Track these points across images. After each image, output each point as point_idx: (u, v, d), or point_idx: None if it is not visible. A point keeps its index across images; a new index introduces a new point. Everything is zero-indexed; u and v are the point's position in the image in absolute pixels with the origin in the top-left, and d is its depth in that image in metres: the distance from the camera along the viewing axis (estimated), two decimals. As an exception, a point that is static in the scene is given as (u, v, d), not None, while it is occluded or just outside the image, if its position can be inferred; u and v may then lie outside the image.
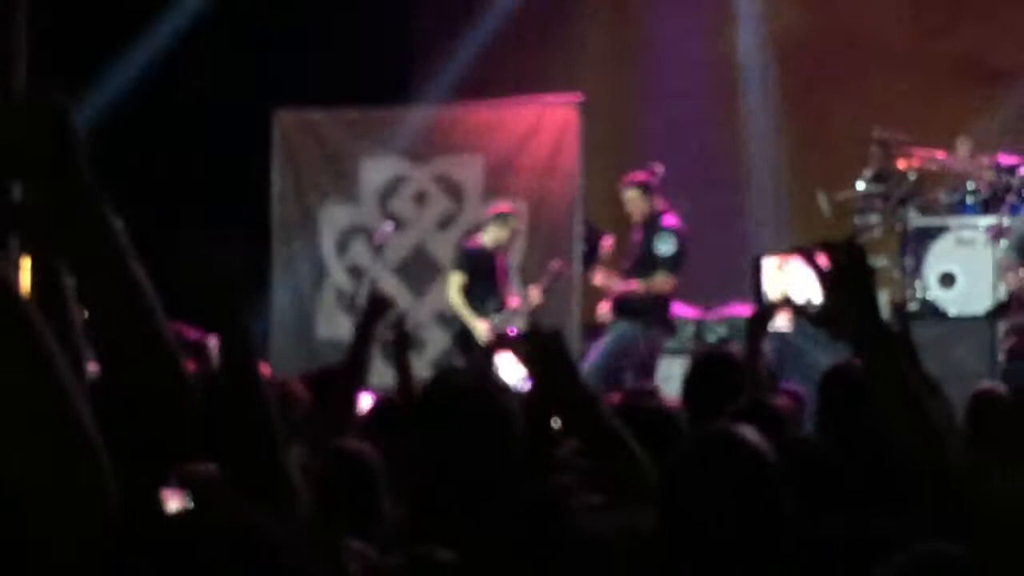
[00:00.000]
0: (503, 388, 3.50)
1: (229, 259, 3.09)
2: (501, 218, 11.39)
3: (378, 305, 5.45)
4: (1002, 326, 10.37)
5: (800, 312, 4.24)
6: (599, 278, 11.13)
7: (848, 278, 3.03)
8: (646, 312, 10.94)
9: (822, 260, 3.06)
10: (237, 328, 2.98)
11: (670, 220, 11.01)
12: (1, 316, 1.86)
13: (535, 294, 11.29)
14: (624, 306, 11.00)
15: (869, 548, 3.16)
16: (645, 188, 11.05)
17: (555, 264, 11.35)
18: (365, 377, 5.30)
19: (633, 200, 11.09)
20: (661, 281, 10.96)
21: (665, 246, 10.90)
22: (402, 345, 5.67)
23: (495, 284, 11.29)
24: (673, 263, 10.96)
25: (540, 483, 3.90)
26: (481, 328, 11.02)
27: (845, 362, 4.43)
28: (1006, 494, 2.75)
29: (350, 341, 5.39)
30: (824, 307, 3.05)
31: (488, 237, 11.37)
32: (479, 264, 11.35)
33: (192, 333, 5.84)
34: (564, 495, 3.89)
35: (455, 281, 11.37)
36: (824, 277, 3.06)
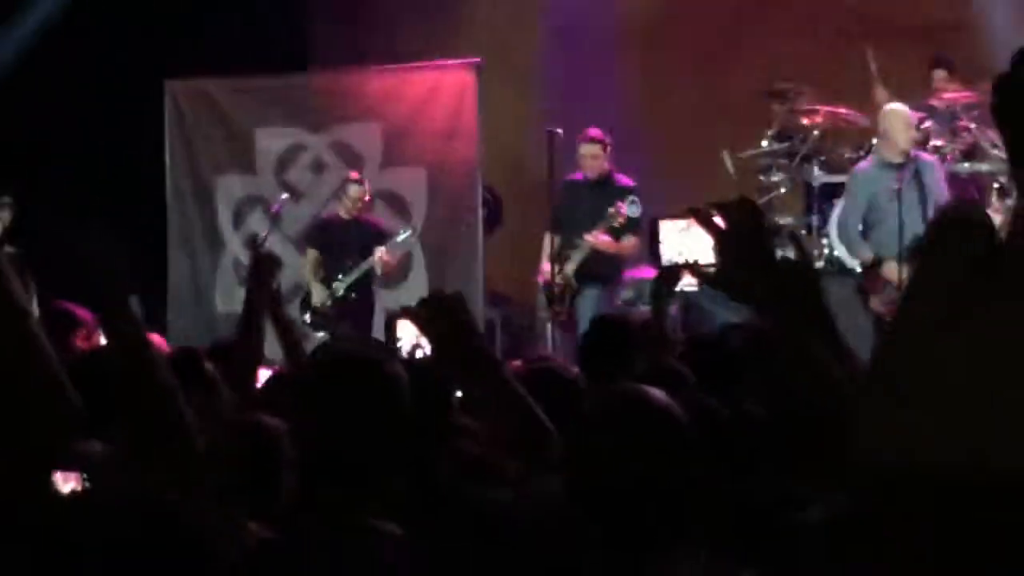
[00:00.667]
0: (389, 354, 3.49)
1: (105, 244, 3.10)
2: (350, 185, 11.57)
3: (264, 266, 5.27)
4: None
5: (700, 274, 4.25)
6: (599, 239, 10.70)
7: (742, 238, 3.03)
8: (611, 275, 10.97)
9: (717, 221, 3.07)
10: (119, 312, 3.00)
11: (627, 180, 10.94)
12: None
13: (382, 255, 11.41)
14: (591, 270, 10.82)
15: (774, 507, 3.19)
16: (604, 146, 10.90)
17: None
18: (261, 346, 5.19)
19: (594, 155, 10.88)
20: (633, 243, 10.93)
21: (634, 207, 10.72)
22: (268, 292, 5.37)
23: (348, 251, 11.47)
24: (638, 225, 10.96)
25: (436, 450, 3.90)
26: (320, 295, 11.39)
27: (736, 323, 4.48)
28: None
29: (242, 310, 5.24)
30: (720, 268, 3.06)
31: (343, 206, 11.55)
32: (331, 235, 11.61)
33: (82, 312, 5.81)
34: (466, 461, 3.89)
35: (310, 257, 11.69)
36: (719, 238, 3.06)
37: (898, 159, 10.09)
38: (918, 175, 10.08)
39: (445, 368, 3.82)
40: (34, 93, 12.51)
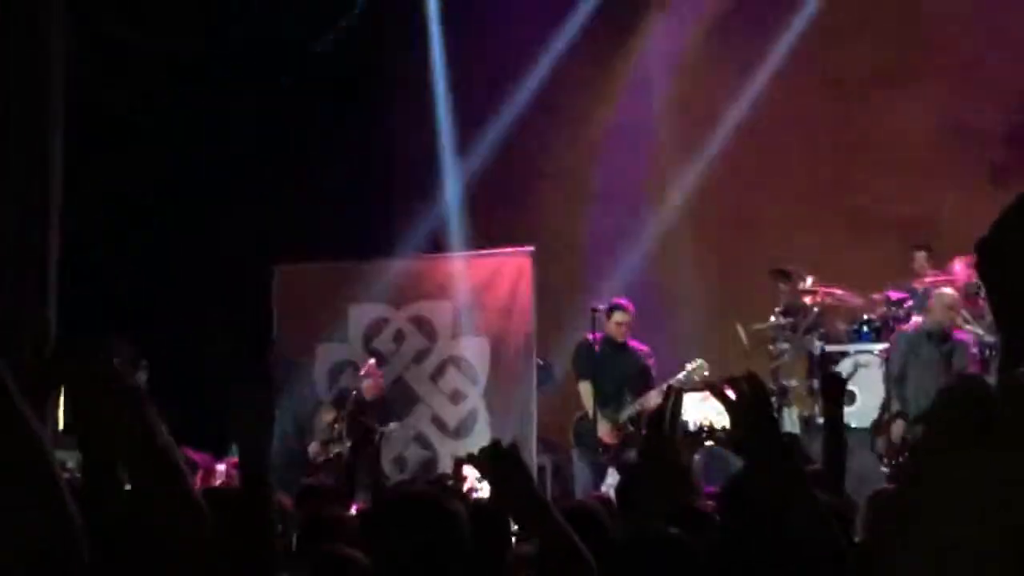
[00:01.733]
0: (449, 494, 3.48)
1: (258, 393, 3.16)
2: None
3: (363, 434, 5.35)
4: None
5: (715, 437, 4.24)
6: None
7: (750, 405, 3.06)
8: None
9: (728, 392, 3.11)
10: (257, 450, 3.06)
11: (642, 345, 10.84)
12: None
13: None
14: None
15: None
16: (632, 316, 10.81)
17: None
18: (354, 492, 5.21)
19: (627, 323, 10.73)
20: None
21: (653, 370, 10.65)
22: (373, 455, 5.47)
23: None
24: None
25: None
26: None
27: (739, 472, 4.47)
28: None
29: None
30: (733, 431, 3.10)
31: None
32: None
33: (196, 456, 5.85)
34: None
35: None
36: (730, 406, 3.10)
37: (937, 331, 10.14)
38: (951, 350, 10.11)
39: (502, 507, 3.80)
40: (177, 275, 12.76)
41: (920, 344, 10.20)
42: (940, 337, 10.11)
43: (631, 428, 10.52)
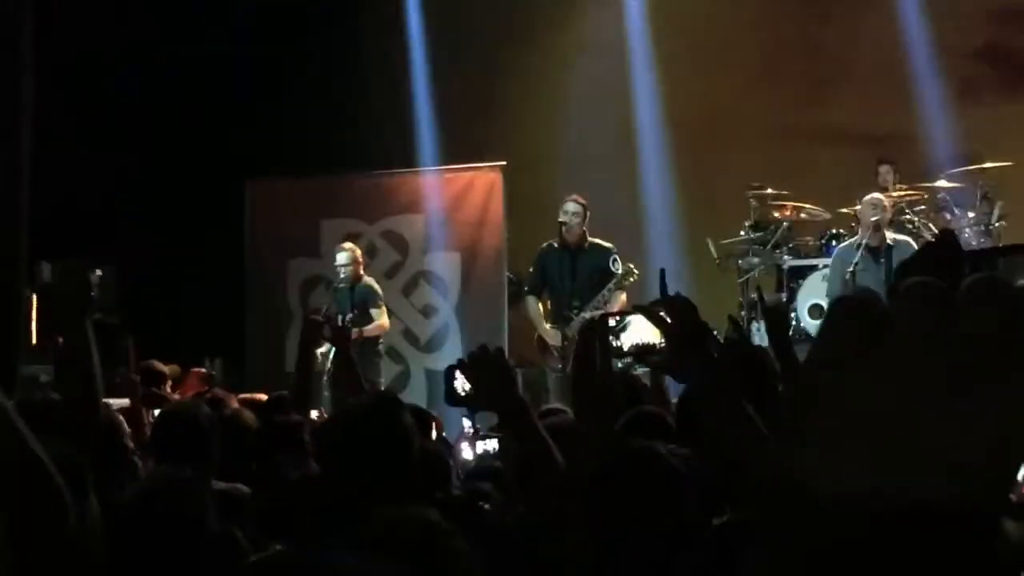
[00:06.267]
0: (399, 404, 3.51)
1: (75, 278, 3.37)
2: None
3: (311, 331, 5.30)
4: None
5: (647, 360, 4.23)
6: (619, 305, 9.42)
7: (685, 329, 3.06)
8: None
9: (664, 315, 3.11)
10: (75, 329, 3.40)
11: (604, 243, 10.17)
12: None
13: None
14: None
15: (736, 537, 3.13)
16: (585, 210, 10.18)
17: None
18: (310, 398, 5.15)
19: (577, 215, 10.04)
20: (624, 299, 9.81)
21: (617, 264, 9.99)
22: (313, 349, 5.40)
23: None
24: (623, 281, 9.99)
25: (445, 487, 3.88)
26: None
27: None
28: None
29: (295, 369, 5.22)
30: (667, 354, 3.11)
31: None
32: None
33: (164, 368, 5.84)
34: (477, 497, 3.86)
35: None
36: (665, 329, 3.10)
37: (873, 241, 9.95)
38: (889, 255, 9.86)
39: (490, 408, 3.85)
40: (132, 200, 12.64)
41: (855, 259, 9.95)
42: (877, 248, 9.89)
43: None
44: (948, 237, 0.91)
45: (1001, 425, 0.66)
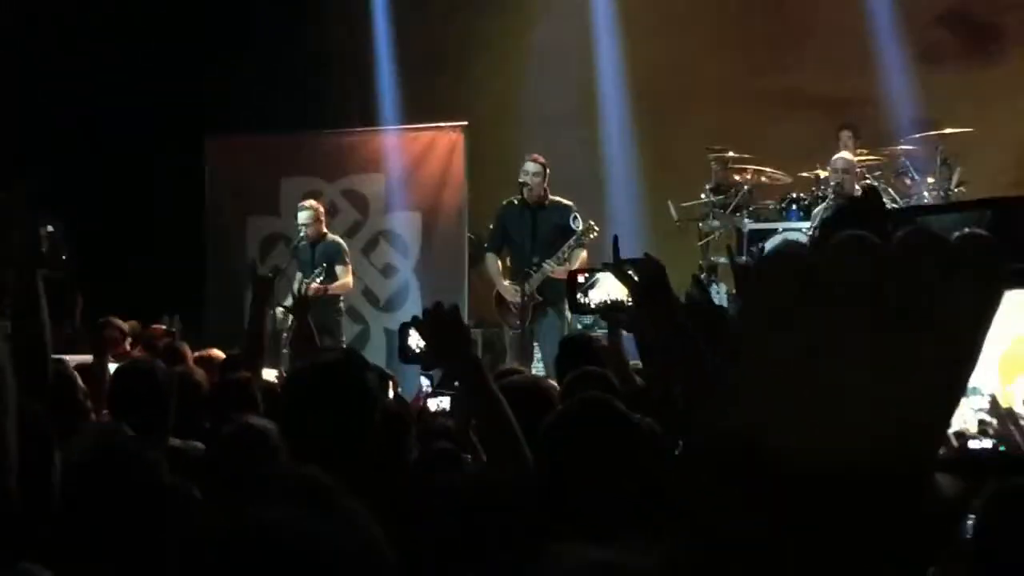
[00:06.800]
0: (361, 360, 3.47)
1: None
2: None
3: (261, 288, 5.26)
4: None
5: (613, 316, 4.22)
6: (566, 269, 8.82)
7: (651, 287, 3.06)
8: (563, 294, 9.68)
9: (630, 274, 3.11)
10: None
11: (564, 200, 10.01)
12: None
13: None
14: (551, 291, 9.59)
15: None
16: (545, 169, 10.01)
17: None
18: (261, 356, 5.12)
19: (538, 175, 9.87)
20: (584, 257, 9.63)
21: (578, 222, 9.80)
22: (265, 307, 5.36)
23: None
24: (582, 238, 9.83)
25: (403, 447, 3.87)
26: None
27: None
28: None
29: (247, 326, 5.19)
30: (633, 312, 3.12)
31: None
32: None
33: (121, 324, 5.81)
34: (438, 456, 3.85)
35: None
36: (631, 287, 3.10)
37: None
38: None
39: (441, 366, 3.80)
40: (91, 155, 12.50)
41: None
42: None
43: (539, 297, 9.78)
44: (871, 194, 0.92)
45: (929, 375, 0.66)
